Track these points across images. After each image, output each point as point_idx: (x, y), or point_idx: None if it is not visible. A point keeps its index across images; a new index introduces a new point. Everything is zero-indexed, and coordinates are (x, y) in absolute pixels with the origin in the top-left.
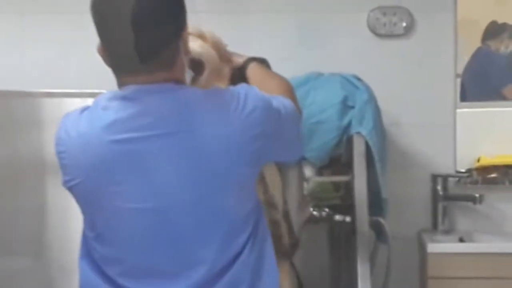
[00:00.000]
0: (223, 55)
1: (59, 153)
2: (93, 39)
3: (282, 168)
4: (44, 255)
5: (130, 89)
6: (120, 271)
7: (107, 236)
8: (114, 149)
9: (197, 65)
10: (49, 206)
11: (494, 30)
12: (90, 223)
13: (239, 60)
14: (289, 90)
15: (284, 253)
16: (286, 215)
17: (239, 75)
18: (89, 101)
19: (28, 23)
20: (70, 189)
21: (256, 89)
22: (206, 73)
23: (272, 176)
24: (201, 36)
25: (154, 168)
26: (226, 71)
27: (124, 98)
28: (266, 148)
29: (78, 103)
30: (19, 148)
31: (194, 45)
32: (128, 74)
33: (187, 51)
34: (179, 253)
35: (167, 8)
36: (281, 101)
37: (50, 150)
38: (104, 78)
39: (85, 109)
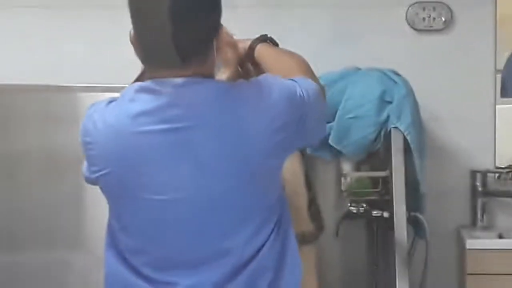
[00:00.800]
0: (228, 41)
1: (86, 144)
2: (127, 34)
3: (308, 157)
4: (83, 247)
5: (158, 81)
6: (146, 261)
7: (133, 227)
8: (141, 140)
9: None
10: (88, 199)
11: None
12: (116, 214)
13: (245, 44)
14: (306, 66)
15: (304, 238)
16: (311, 202)
17: (247, 60)
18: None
19: (63, 17)
20: (97, 179)
21: (278, 79)
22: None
23: (292, 164)
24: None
25: (182, 159)
26: (232, 57)
27: (151, 91)
28: (291, 137)
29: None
30: (58, 142)
31: None
32: (161, 67)
33: (220, 49)
34: (206, 244)
35: (205, 3)
36: (303, 85)
37: None
38: (137, 72)
39: (111, 100)
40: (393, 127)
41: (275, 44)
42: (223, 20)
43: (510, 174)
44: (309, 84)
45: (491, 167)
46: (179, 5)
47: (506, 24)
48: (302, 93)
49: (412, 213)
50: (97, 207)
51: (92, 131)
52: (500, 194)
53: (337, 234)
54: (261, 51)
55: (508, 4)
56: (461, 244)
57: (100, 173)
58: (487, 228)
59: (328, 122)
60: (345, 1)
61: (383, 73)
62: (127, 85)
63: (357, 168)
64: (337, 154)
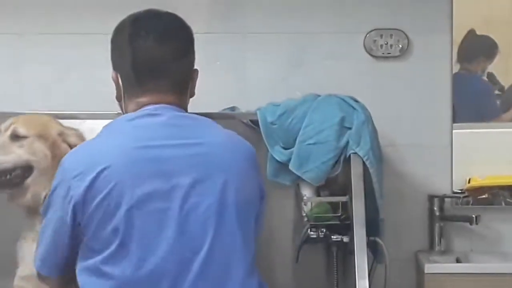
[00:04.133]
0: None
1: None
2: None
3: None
4: None
5: (148, 107)
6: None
7: (131, 238)
8: (139, 153)
9: (26, 169)
10: None
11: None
12: (106, 239)
13: None
14: None
15: None
16: None
17: None
18: (88, 122)
19: (26, 43)
20: (87, 192)
21: None
22: (34, 174)
23: None
24: (42, 136)
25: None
26: None
27: (144, 115)
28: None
29: (77, 124)
30: None
31: (21, 151)
32: (151, 93)
33: (192, 95)
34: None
35: (192, 37)
36: None
37: None
38: (101, 99)
39: (92, 139)
40: (353, 153)
41: None
42: None
43: (466, 198)
44: None
45: (448, 192)
46: (175, 33)
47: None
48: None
49: (372, 238)
50: None
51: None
52: (457, 219)
53: (297, 259)
54: None
55: (464, 31)
56: (420, 268)
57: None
58: (445, 252)
59: (288, 148)
60: (303, 27)
61: (342, 99)
62: (89, 112)
63: (317, 193)
64: (297, 179)
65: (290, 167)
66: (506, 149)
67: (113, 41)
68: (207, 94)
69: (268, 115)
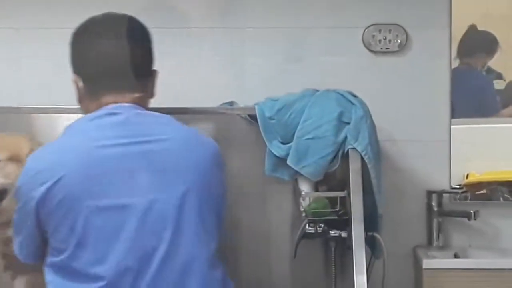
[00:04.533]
0: None
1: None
2: None
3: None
4: None
5: (108, 107)
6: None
7: (90, 237)
8: (98, 152)
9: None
10: None
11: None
12: (63, 238)
13: None
14: None
15: None
16: None
17: None
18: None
19: (24, 38)
20: (48, 193)
21: None
22: (9, 197)
23: None
24: (13, 158)
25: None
26: None
27: (103, 115)
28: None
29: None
30: None
31: None
32: (111, 92)
33: (154, 94)
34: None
35: (149, 35)
36: None
37: None
38: None
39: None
40: (351, 148)
41: None
42: (179, 42)
43: (464, 194)
44: None
45: (447, 187)
46: (135, 32)
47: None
48: None
49: (370, 233)
50: None
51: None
52: (456, 214)
53: (295, 255)
54: None
55: (463, 25)
56: (418, 264)
57: (53, 180)
58: (443, 248)
59: (286, 143)
60: (301, 22)
61: (340, 94)
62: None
63: (315, 188)
64: (295, 175)
65: (288, 162)
66: (505, 144)
67: (72, 44)
68: (205, 89)
69: (266, 110)
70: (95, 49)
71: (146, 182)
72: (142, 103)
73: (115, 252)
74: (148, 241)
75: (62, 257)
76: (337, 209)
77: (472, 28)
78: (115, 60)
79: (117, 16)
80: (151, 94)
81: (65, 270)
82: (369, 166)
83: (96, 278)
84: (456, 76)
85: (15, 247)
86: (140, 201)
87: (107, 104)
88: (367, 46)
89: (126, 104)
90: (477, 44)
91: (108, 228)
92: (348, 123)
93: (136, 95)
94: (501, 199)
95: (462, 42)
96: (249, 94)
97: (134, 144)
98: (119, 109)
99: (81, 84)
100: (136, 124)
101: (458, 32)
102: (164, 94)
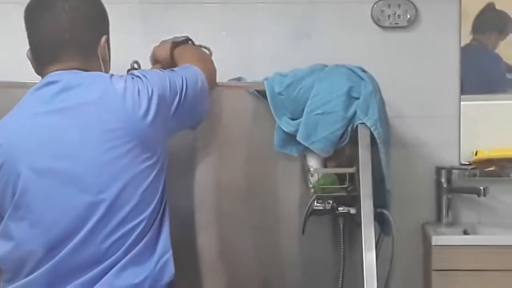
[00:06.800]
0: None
1: None
2: None
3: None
4: None
5: (51, 74)
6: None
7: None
8: (36, 120)
9: None
10: None
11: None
12: (6, 204)
13: (166, 47)
14: (199, 59)
15: None
16: None
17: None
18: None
19: None
20: None
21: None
22: None
23: None
24: None
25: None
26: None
27: (45, 83)
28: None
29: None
30: None
31: None
32: (51, 63)
33: (105, 58)
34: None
35: (95, 10)
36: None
37: None
38: None
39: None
40: (360, 123)
41: (193, 42)
42: (189, 16)
43: (473, 170)
44: (188, 71)
45: (456, 164)
46: (73, 7)
47: (470, 20)
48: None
49: (379, 210)
50: None
51: None
52: (465, 191)
53: (303, 231)
54: (176, 52)
55: (481, 1)
56: (427, 240)
57: None
58: (452, 224)
59: (296, 119)
60: None
61: (350, 69)
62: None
63: (324, 164)
64: (304, 151)
65: (298, 138)
66: None
67: (24, 19)
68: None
69: (276, 85)
70: (37, 22)
71: (76, 142)
72: (89, 67)
73: (52, 214)
74: (85, 202)
75: (4, 222)
76: (345, 185)
77: (490, 6)
78: (57, 31)
79: None
80: (103, 60)
81: (5, 235)
82: (378, 141)
83: (32, 239)
84: (467, 53)
85: None
86: (73, 162)
87: (50, 73)
88: (376, 22)
89: (69, 71)
90: (491, 22)
91: (45, 192)
92: (358, 98)
93: (82, 60)
94: (510, 175)
95: (478, 18)
96: (257, 69)
97: (68, 109)
98: (59, 76)
99: (30, 56)
100: (73, 88)
101: (475, 8)
102: None
